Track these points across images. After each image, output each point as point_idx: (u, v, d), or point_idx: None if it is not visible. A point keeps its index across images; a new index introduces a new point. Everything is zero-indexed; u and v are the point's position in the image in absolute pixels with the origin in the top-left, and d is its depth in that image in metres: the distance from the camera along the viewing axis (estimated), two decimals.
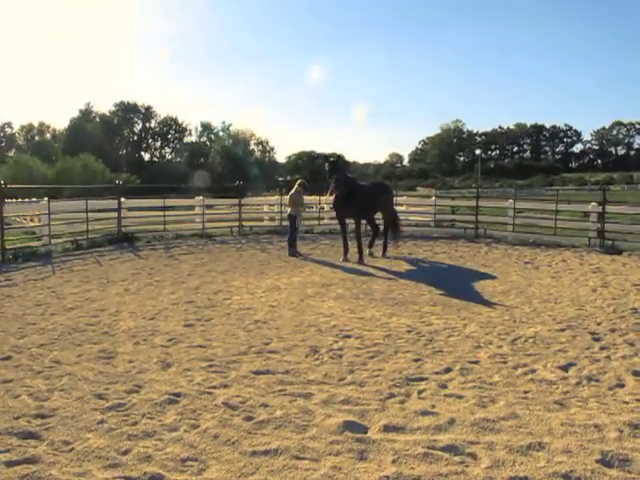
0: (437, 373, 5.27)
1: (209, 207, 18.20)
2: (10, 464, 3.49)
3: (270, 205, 20.39)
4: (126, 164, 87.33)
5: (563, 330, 6.80)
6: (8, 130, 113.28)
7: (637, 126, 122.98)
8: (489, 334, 6.64)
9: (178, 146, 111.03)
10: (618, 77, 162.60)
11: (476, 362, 5.60)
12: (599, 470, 3.44)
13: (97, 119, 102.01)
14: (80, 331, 6.64)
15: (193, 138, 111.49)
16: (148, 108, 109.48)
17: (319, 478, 3.37)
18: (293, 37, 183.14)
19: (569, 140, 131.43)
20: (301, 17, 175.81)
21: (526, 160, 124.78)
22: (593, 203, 15.81)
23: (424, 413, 4.30)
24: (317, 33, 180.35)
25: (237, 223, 17.26)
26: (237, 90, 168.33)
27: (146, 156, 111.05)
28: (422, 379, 5.10)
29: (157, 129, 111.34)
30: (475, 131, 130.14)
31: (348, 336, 6.50)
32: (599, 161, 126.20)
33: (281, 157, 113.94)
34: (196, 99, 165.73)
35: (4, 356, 5.65)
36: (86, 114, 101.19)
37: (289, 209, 13.72)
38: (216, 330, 6.76)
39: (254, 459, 3.60)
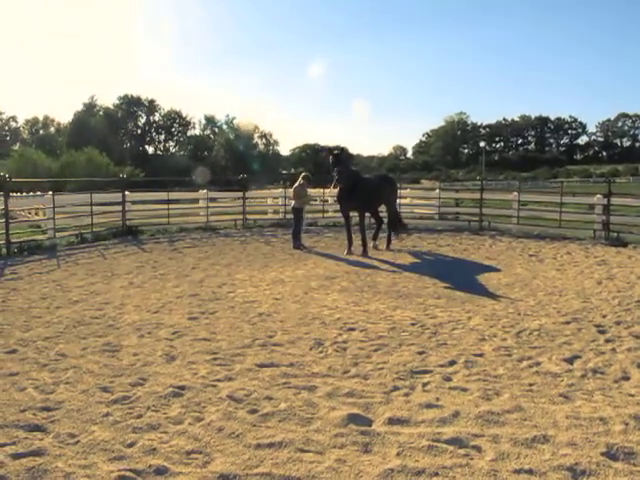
0: (441, 366, 5.26)
1: (213, 200, 18.19)
2: (16, 456, 3.50)
3: (274, 198, 20.38)
4: (130, 157, 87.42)
5: (568, 323, 6.78)
6: (13, 124, 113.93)
7: None
8: (493, 327, 6.63)
9: (182, 139, 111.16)
10: (623, 68, 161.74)
11: (480, 355, 5.59)
12: (604, 463, 3.44)
13: (101, 113, 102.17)
14: (85, 324, 6.66)
15: (197, 131, 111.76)
16: (152, 101, 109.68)
17: (323, 471, 3.37)
18: (297, 28, 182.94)
19: (574, 132, 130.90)
20: (309, 7, 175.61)
21: (530, 152, 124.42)
22: (598, 195, 15.71)
23: (428, 406, 4.30)
24: (323, 25, 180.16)
25: (241, 216, 17.26)
26: (241, 83, 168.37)
27: (150, 149, 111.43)
28: (426, 372, 5.10)
29: (161, 122, 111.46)
30: (479, 123, 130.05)
31: (352, 329, 6.49)
32: (604, 153, 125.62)
33: (285, 150, 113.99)
34: (199, 92, 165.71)
35: (10, 349, 5.67)
36: (90, 108, 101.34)
37: (293, 202, 13.72)
38: (220, 323, 6.77)
39: (258, 452, 3.61)
